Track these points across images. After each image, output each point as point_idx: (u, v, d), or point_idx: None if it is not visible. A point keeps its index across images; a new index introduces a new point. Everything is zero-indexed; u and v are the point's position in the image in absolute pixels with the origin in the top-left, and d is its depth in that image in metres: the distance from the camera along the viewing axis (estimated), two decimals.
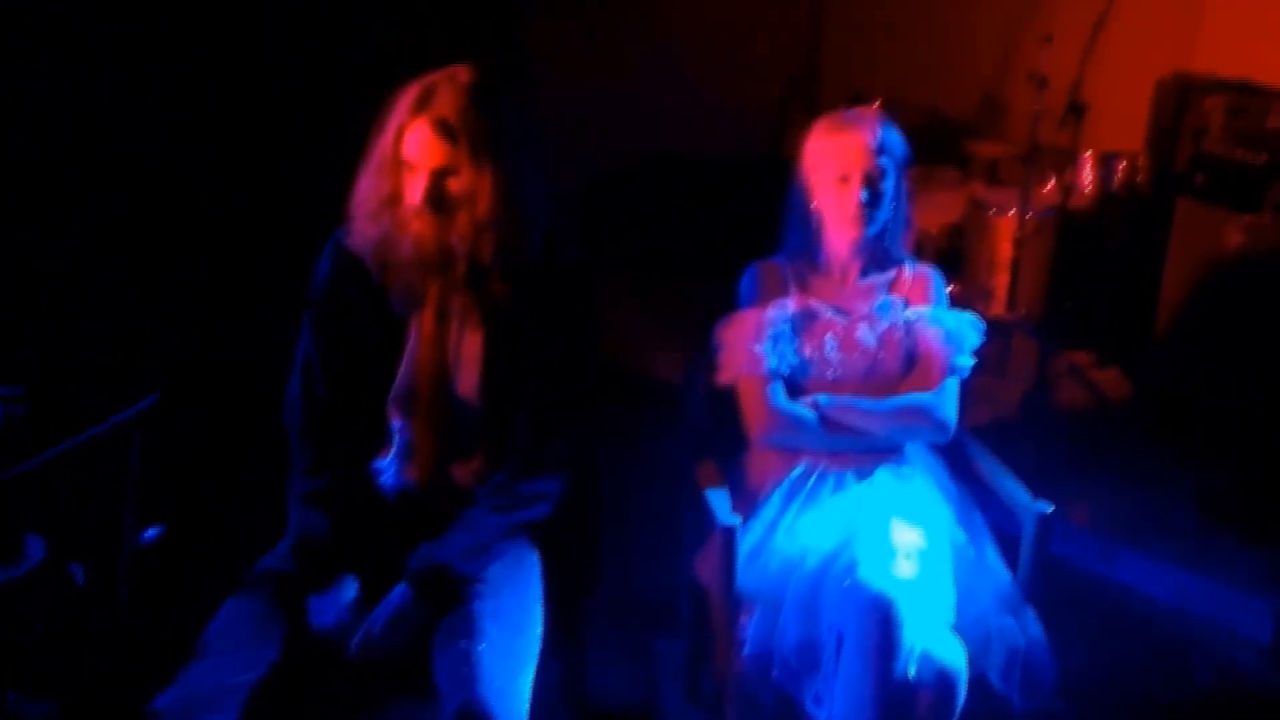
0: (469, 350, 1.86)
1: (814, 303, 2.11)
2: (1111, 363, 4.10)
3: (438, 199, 1.76)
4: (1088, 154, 4.15)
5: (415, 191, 1.77)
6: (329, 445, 1.88)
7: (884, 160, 2.02)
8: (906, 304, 2.12)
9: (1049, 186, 4.19)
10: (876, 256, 2.14)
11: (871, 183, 2.02)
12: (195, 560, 2.26)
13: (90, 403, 1.83)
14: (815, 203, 2.09)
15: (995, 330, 4.02)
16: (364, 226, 1.83)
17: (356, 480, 1.90)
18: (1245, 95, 4.24)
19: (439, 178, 1.75)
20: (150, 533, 1.93)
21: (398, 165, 1.78)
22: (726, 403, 2.11)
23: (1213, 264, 3.45)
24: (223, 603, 1.75)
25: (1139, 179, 4.18)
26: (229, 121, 3.36)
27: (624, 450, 3.33)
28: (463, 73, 1.78)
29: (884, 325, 2.09)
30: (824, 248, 2.13)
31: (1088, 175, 4.21)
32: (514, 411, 1.85)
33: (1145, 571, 2.94)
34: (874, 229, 2.06)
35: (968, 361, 2.08)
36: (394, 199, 1.79)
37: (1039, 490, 1.97)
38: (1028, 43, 4.87)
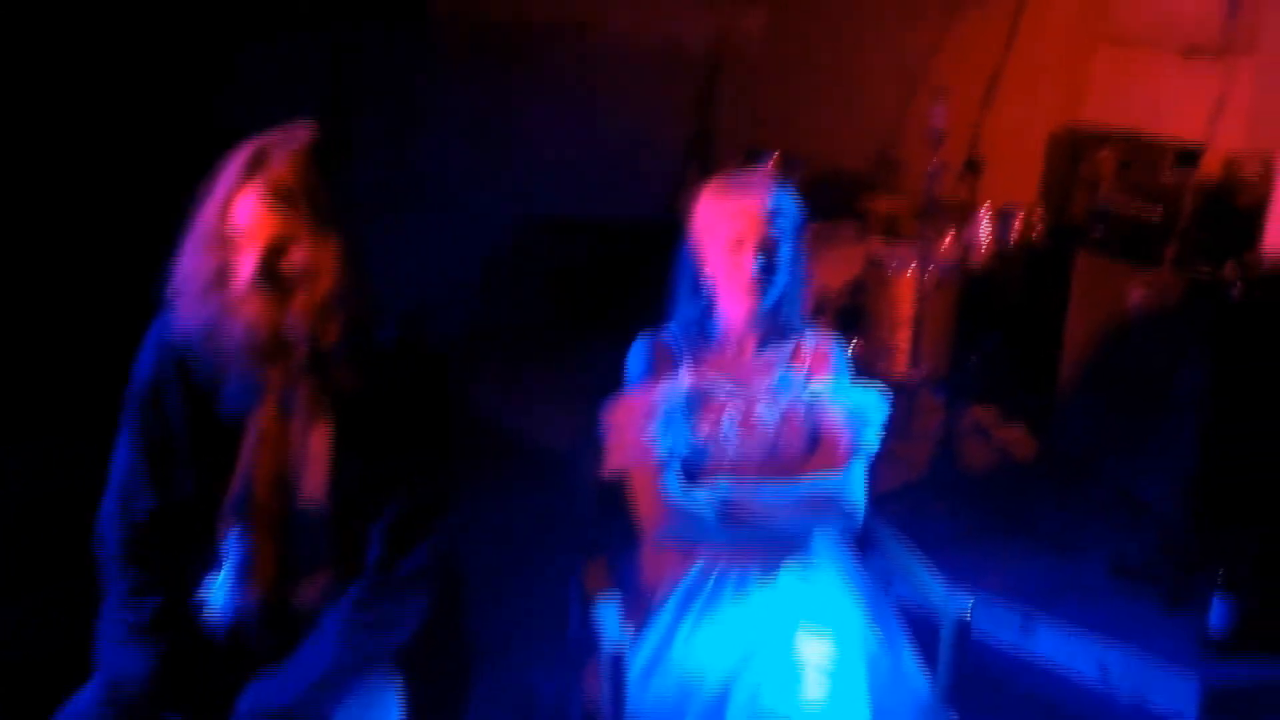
0: (315, 449, 1.62)
1: (709, 379, 1.92)
2: (1016, 419, 4.03)
3: (273, 275, 1.53)
4: (984, 208, 4.11)
5: (246, 268, 1.53)
6: (151, 567, 1.62)
7: (779, 225, 1.86)
8: (808, 378, 1.95)
9: (947, 241, 4.14)
10: (774, 327, 1.97)
11: (767, 249, 1.85)
12: None
13: None
14: (707, 271, 1.92)
15: (899, 389, 3.97)
16: (188, 310, 1.59)
17: (182, 606, 1.63)
18: (1135, 147, 4.27)
19: (274, 251, 1.53)
20: None
21: (226, 238, 1.55)
22: (618, 492, 1.90)
23: (1114, 320, 3.39)
24: None
25: (1036, 233, 4.15)
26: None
27: (515, 531, 3.11)
28: (302, 133, 1.56)
29: (785, 402, 1.92)
30: (718, 319, 1.95)
31: (985, 229, 4.16)
32: (367, 518, 1.62)
33: (1064, 645, 2.81)
34: (771, 299, 1.90)
35: (874, 439, 1.91)
36: (222, 277, 1.56)
37: (951, 559, 1.81)
38: (921, 98, 4.89)
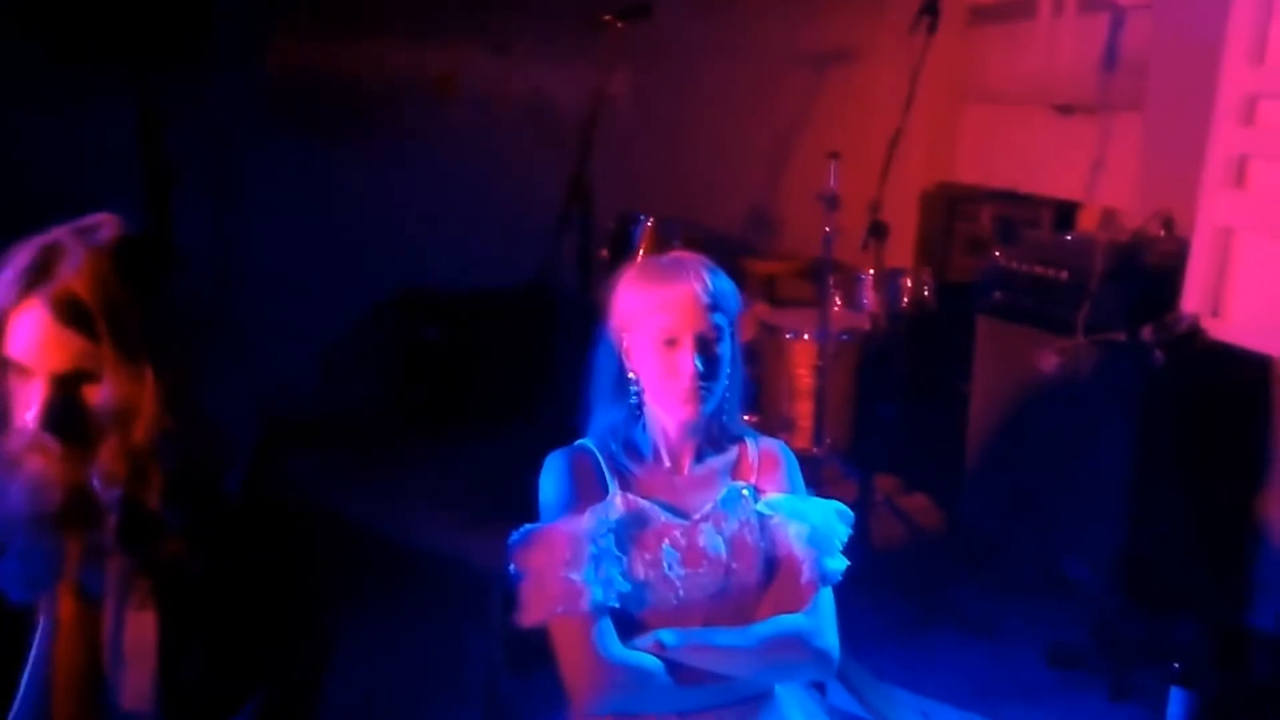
0: (135, 642, 1.21)
1: (643, 503, 1.58)
2: (918, 488, 3.85)
3: (67, 419, 1.12)
4: (869, 272, 3.95)
5: (30, 409, 1.12)
6: None
7: (718, 317, 1.55)
8: (757, 492, 1.64)
9: (836, 306, 3.96)
10: (713, 435, 1.65)
11: (706, 346, 1.54)
12: None
13: None
14: (633, 371, 1.59)
15: (802, 463, 3.73)
16: None
17: None
18: (1011, 203, 4.22)
19: (67, 387, 1.12)
20: None
21: (2, 369, 1.13)
22: (538, 651, 1.53)
23: (1022, 387, 3.24)
24: None
25: (926, 295, 4.01)
26: None
27: (405, 673, 2.67)
28: (104, 228, 1.16)
29: (733, 524, 1.59)
30: (649, 429, 1.62)
31: (871, 293, 4.00)
32: None
33: None
34: (712, 404, 1.58)
35: (840, 564, 1.61)
36: None
37: (883, 656, 1.52)
38: (796, 159, 4.76)
